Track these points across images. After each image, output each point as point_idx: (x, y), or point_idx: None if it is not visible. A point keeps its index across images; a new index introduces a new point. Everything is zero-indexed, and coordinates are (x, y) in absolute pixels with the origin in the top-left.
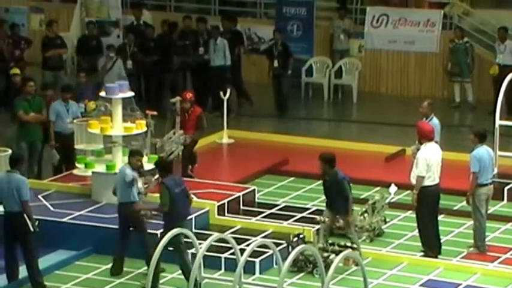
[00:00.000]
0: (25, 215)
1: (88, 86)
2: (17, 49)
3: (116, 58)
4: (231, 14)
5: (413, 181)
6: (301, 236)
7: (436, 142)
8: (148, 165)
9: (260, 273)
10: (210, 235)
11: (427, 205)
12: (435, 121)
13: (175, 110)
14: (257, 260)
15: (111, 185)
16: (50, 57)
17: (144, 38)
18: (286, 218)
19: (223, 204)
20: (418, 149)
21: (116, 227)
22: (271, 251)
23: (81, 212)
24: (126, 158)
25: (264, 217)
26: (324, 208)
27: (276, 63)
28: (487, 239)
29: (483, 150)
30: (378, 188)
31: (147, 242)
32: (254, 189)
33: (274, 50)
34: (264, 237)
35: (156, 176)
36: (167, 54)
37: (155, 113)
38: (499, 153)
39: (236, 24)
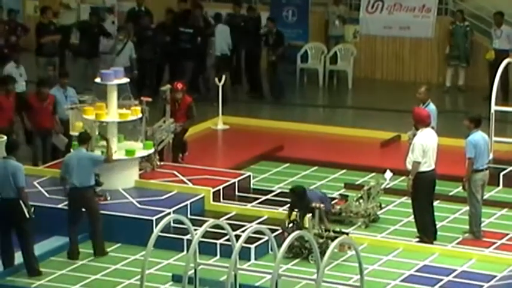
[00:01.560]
0: (21, 202)
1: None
2: (13, 35)
3: (126, 40)
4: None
5: (409, 167)
6: (296, 222)
7: (433, 128)
8: (143, 152)
9: (255, 259)
10: (206, 221)
11: (422, 191)
12: (432, 107)
13: (165, 99)
14: (252, 246)
15: (106, 170)
16: (45, 43)
17: (141, 26)
18: (282, 204)
19: (219, 190)
20: (414, 135)
21: (113, 213)
22: (266, 237)
23: None
24: (121, 145)
25: (259, 203)
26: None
27: (270, 52)
28: (482, 225)
29: (478, 136)
30: (373, 174)
31: (100, 226)
32: (249, 175)
33: (270, 38)
34: (259, 223)
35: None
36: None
37: (150, 99)
38: (494, 138)
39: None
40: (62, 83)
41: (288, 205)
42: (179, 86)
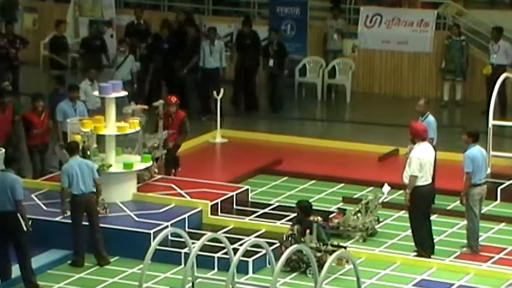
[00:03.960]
0: (18, 215)
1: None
2: (12, 48)
3: (127, 53)
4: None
5: (406, 181)
6: (294, 235)
7: (432, 139)
8: (141, 165)
9: (253, 272)
10: (203, 234)
11: (419, 205)
12: (431, 119)
13: (158, 114)
14: (250, 260)
15: (104, 184)
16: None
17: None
18: (279, 217)
19: (217, 203)
20: (411, 149)
21: (110, 226)
22: (264, 251)
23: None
24: (119, 158)
25: (257, 217)
26: (318, 207)
27: (271, 63)
28: (480, 239)
29: (476, 150)
30: (371, 188)
31: (101, 234)
32: (247, 189)
33: (270, 49)
34: (257, 236)
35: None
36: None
37: (146, 107)
38: (492, 153)
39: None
40: (71, 96)
41: (293, 219)
42: (173, 99)
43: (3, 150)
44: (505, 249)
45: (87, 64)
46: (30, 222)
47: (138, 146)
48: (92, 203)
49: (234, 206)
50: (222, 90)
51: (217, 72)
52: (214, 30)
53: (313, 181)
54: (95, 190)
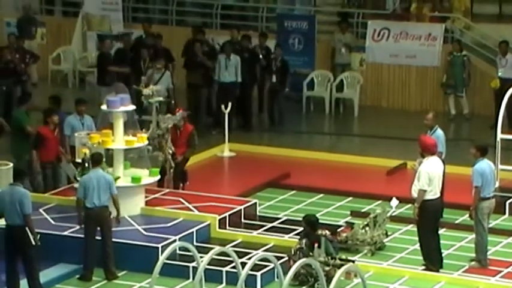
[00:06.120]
0: (27, 229)
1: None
2: (22, 63)
3: (164, 70)
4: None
5: (414, 194)
6: (302, 249)
7: (441, 153)
8: (149, 179)
9: (261, 287)
10: (211, 248)
11: (428, 219)
12: (439, 132)
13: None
14: (258, 274)
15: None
16: (108, 73)
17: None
18: (288, 231)
19: (225, 217)
20: (420, 163)
21: (119, 240)
22: (272, 265)
23: (82, 226)
24: (127, 172)
25: (266, 230)
26: (326, 221)
27: (274, 79)
28: (488, 253)
29: (485, 164)
30: (380, 202)
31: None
32: (255, 203)
33: (273, 65)
34: (266, 250)
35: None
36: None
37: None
38: (500, 166)
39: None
40: (79, 110)
41: (301, 233)
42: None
43: (11, 164)
44: None
45: (117, 77)
46: (38, 237)
47: (152, 127)
48: (104, 217)
49: (242, 219)
50: (230, 105)
51: (233, 87)
52: (229, 44)
53: (321, 195)
54: (108, 205)
